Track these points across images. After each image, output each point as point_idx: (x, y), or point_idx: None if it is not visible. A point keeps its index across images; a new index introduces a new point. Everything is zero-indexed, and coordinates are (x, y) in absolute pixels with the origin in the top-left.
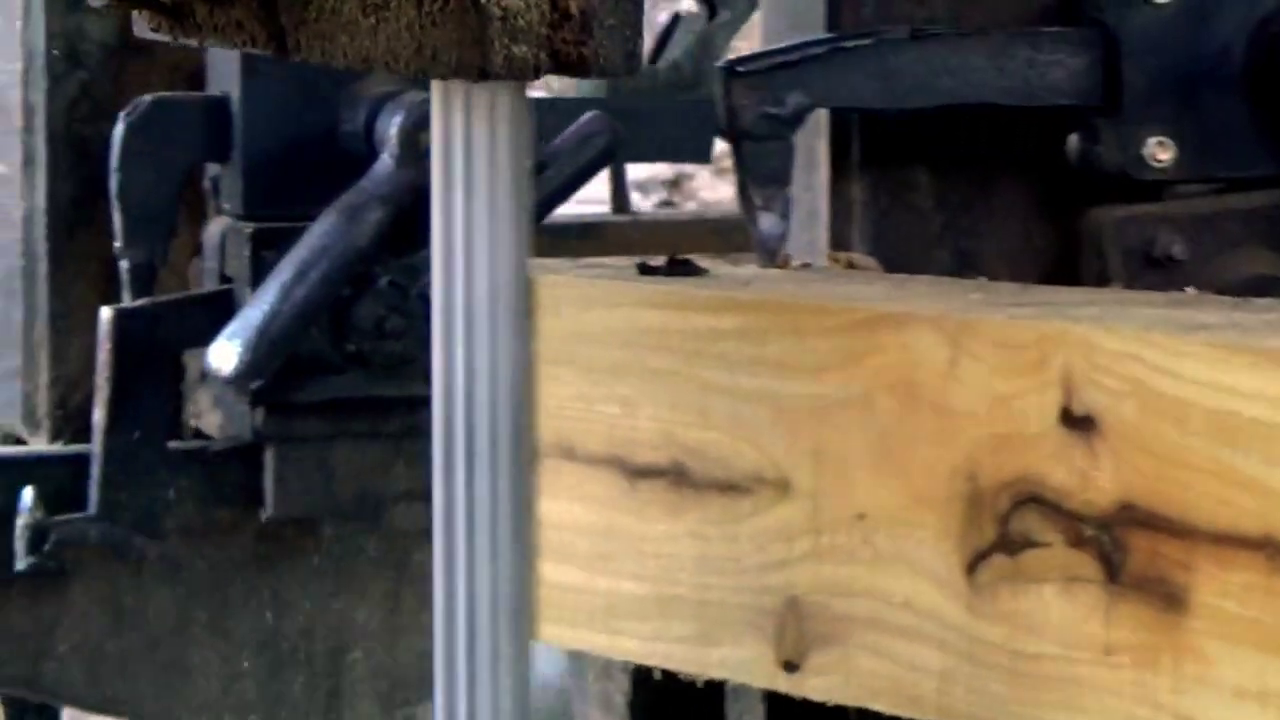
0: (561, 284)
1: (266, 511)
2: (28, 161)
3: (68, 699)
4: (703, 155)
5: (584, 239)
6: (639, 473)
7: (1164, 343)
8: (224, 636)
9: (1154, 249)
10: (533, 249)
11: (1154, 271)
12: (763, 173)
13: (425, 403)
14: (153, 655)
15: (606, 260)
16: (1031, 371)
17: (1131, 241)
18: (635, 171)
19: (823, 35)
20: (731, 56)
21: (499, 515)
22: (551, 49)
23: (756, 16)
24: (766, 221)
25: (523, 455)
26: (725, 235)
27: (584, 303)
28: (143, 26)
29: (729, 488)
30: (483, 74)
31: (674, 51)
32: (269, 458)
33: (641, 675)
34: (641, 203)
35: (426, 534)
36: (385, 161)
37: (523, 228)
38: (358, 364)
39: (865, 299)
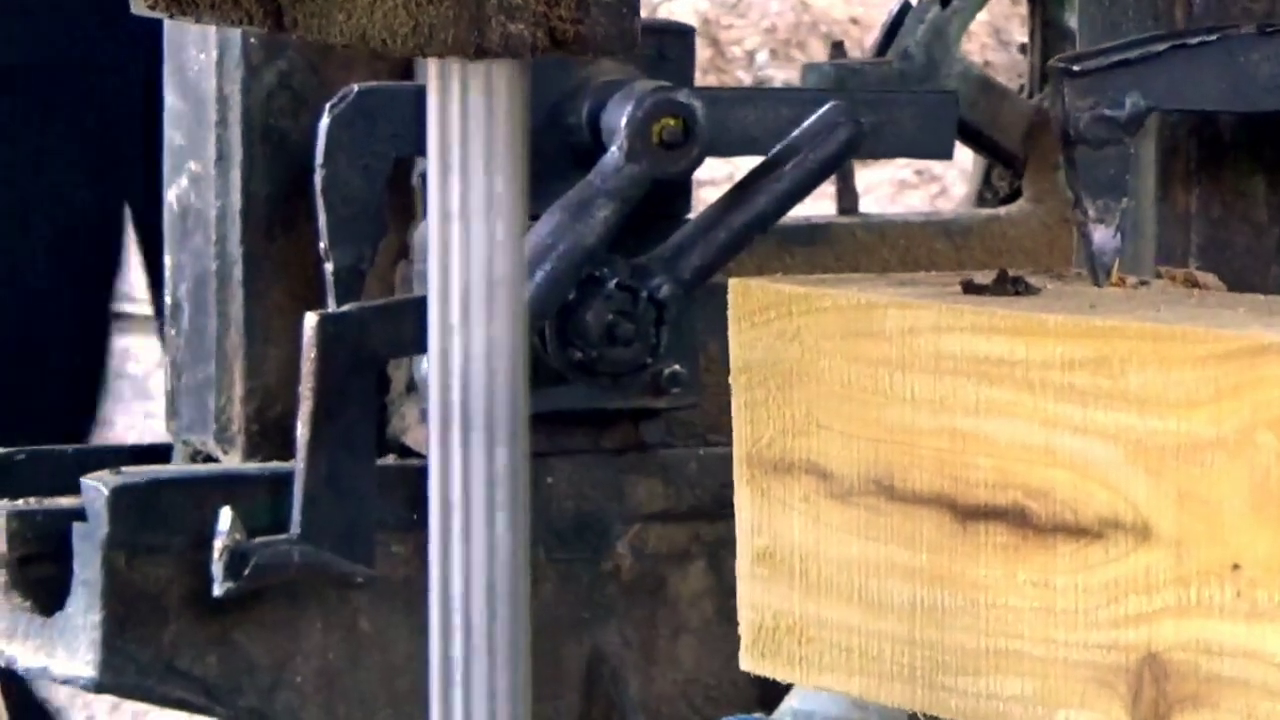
0: (882, 304)
1: None
2: (222, 158)
3: None
4: (943, 151)
5: (811, 243)
6: (972, 514)
7: None
8: None
9: None
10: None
11: None
12: (1098, 182)
13: (652, 415)
14: (391, 684)
15: (922, 276)
16: None
17: None
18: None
19: (1161, 32)
20: (1064, 54)
21: (495, 503)
22: (548, 26)
23: (991, 4)
24: (1101, 235)
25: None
26: (958, 237)
27: (908, 325)
28: (140, 4)
29: (1078, 533)
30: (479, 51)
31: (905, 40)
32: None
33: None
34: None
35: (676, 557)
36: (614, 155)
37: (520, 210)
38: (582, 373)
39: (1235, 325)
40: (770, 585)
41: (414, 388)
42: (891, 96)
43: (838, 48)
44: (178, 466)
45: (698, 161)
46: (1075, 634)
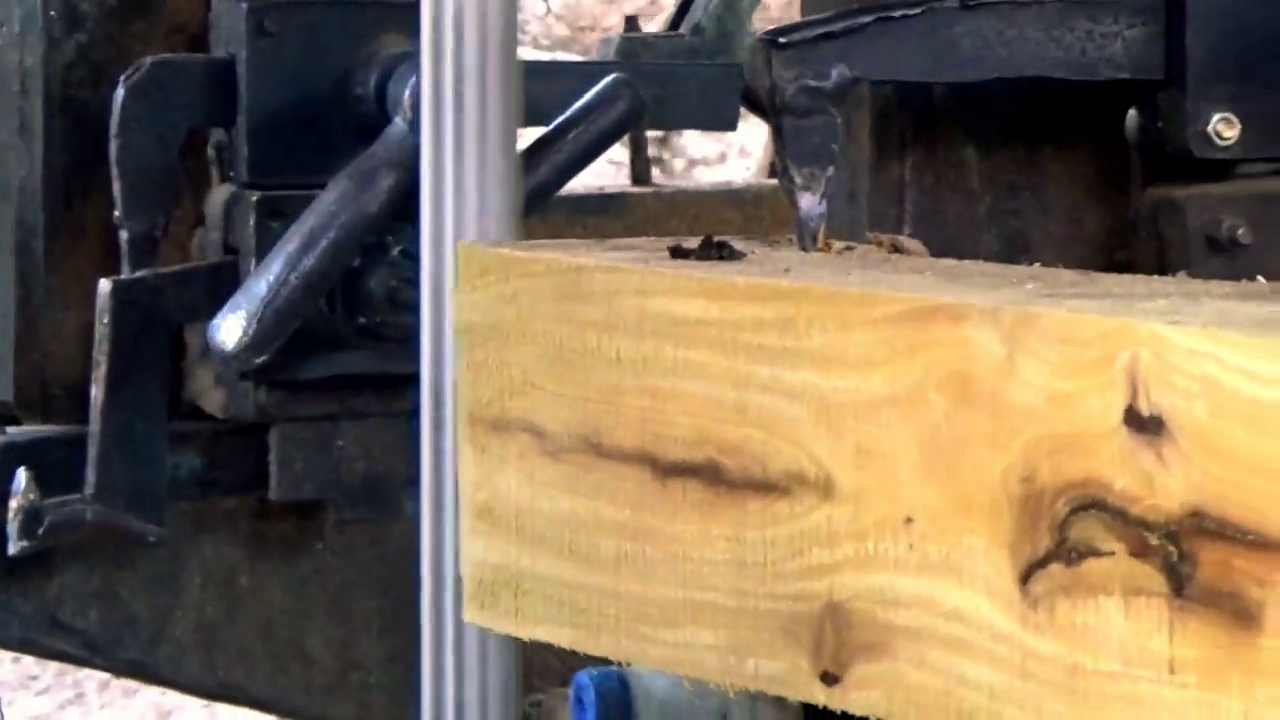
0: (590, 267)
1: (271, 494)
2: (23, 129)
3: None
4: (728, 123)
5: (602, 213)
6: (671, 470)
7: (1239, 340)
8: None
9: (1218, 232)
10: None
11: (1216, 256)
12: (804, 150)
13: None
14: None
15: (637, 241)
16: (1095, 369)
17: (1193, 224)
18: None
19: (868, 5)
20: (771, 26)
21: None
22: None
23: None
24: (807, 202)
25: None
26: (749, 207)
27: (614, 288)
28: None
29: (767, 488)
30: None
31: (696, 15)
32: (273, 438)
33: None
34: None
35: None
36: (398, 125)
37: (513, 183)
38: (369, 338)
39: (915, 288)
40: (489, 540)
41: (208, 352)
42: (677, 69)
43: (631, 21)
44: None
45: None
46: (764, 586)
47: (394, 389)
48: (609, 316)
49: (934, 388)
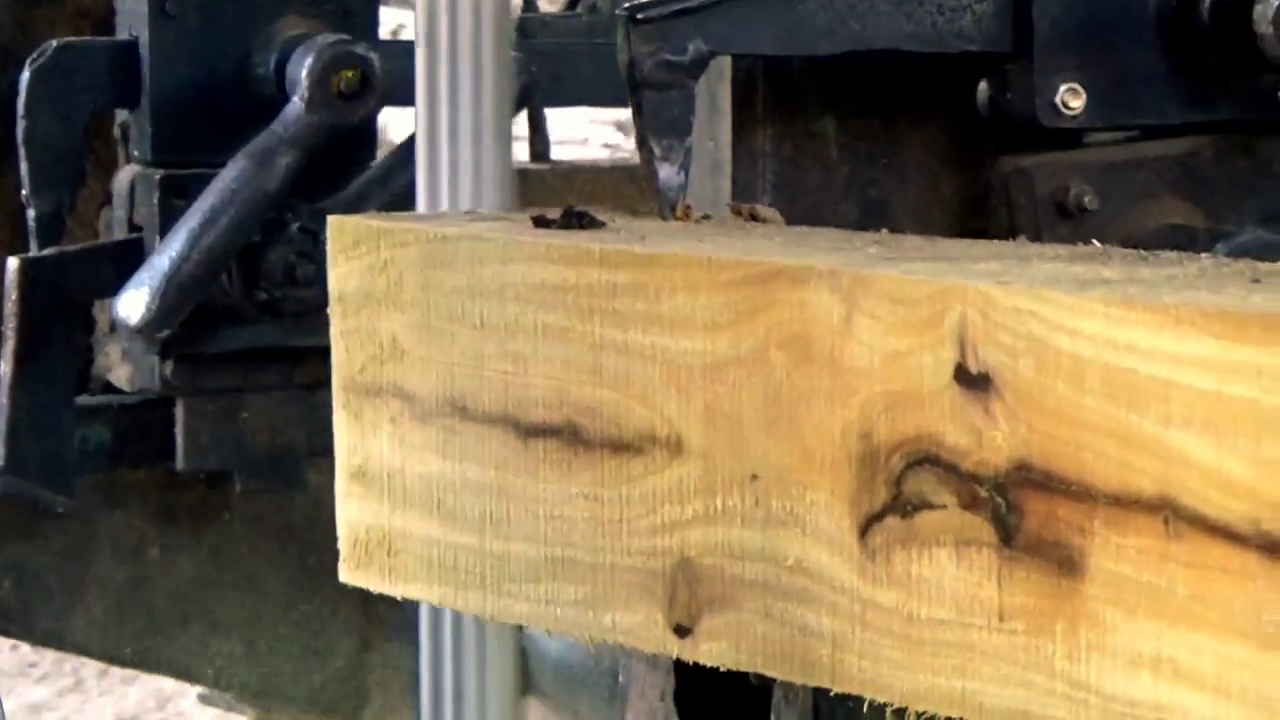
0: (455, 237)
1: (178, 465)
2: None
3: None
4: (622, 100)
5: None
6: (532, 432)
7: (1061, 299)
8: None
9: (1065, 199)
10: None
11: (1065, 222)
12: (662, 122)
13: None
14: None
15: (504, 213)
16: (926, 328)
17: (1041, 191)
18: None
19: None
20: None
21: None
22: None
23: None
24: (665, 172)
25: None
26: (645, 181)
27: (478, 256)
28: None
29: (621, 447)
30: None
31: None
32: (179, 411)
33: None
34: (626, 142)
35: None
36: (295, 105)
37: (507, 165)
38: (268, 312)
39: (760, 253)
40: (363, 502)
41: (114, 328)
42: (570, 47)
43: (529, 1)
44: None
45: (376, 110)
46: (620, 542)
47: (295, 362)
48: (473, 284)
49: (776, 348)
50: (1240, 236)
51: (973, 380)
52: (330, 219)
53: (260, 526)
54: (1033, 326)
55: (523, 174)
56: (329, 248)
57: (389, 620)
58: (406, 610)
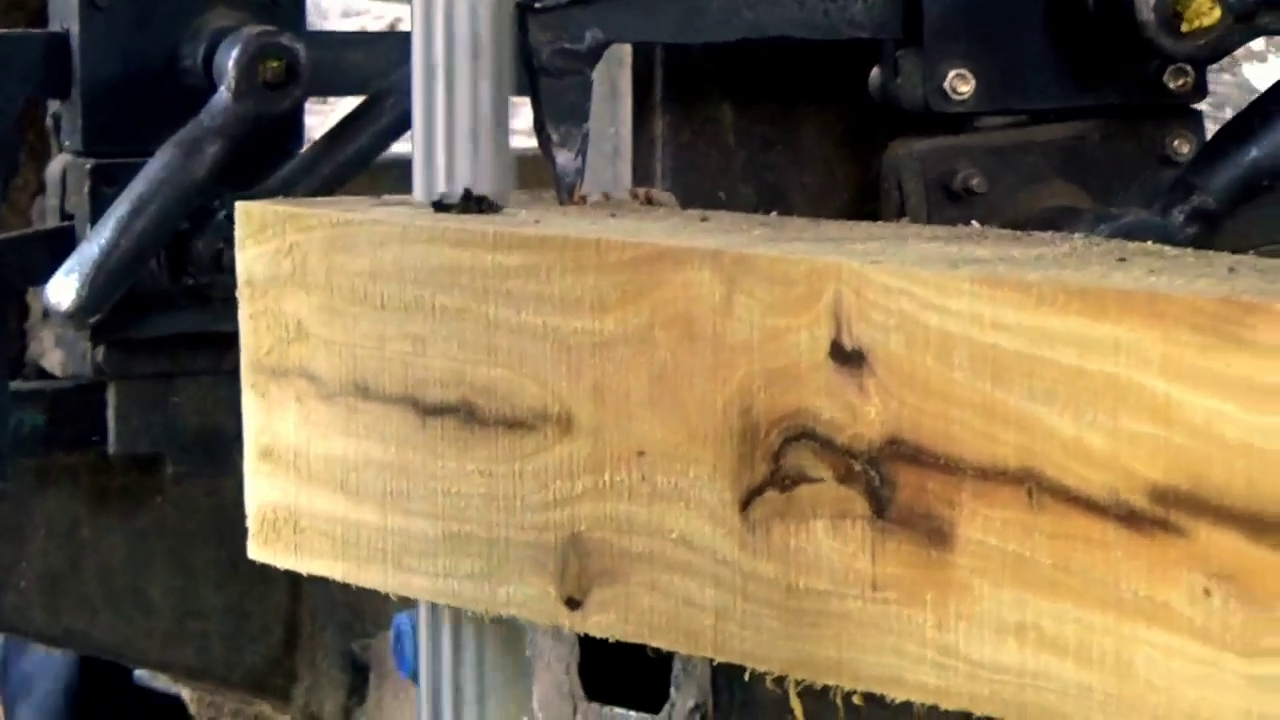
0: (357, 221)
1: (110, 448)
2: None
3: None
4: None
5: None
6: (430, 410)
7: (930, 277)
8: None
9: (953, 182)
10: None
11: (954, 204)
12: (559, 109)
13: None
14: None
15: (410, 197)
16: (803, 306)
17: (930, 174)
18: None
19: None
20: None
21: None
22: None
23: None
24: (563, 158)
25: None
26: None
27: (379, 240)
28: None
29: (515, 425)
30: None
31: None
32: (111, 395)
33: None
34: None
35: None
36: (222, 94)
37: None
38: (197, 299)
39: (646, 235)
40: (271, 480)
41: (47, 314)
42: None
43: None
44: None
45: (301, 100)
46: (514, 517)
47: (224, 347)
48: (374, 267)
49: (661, 327)
50: (1124, 218)
51: (847, 357)
52: (239, 204)
53: (191, 508)
54: (904, 304)
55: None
56: (237, 233)
57: (318, 601)
58: (334, 591)
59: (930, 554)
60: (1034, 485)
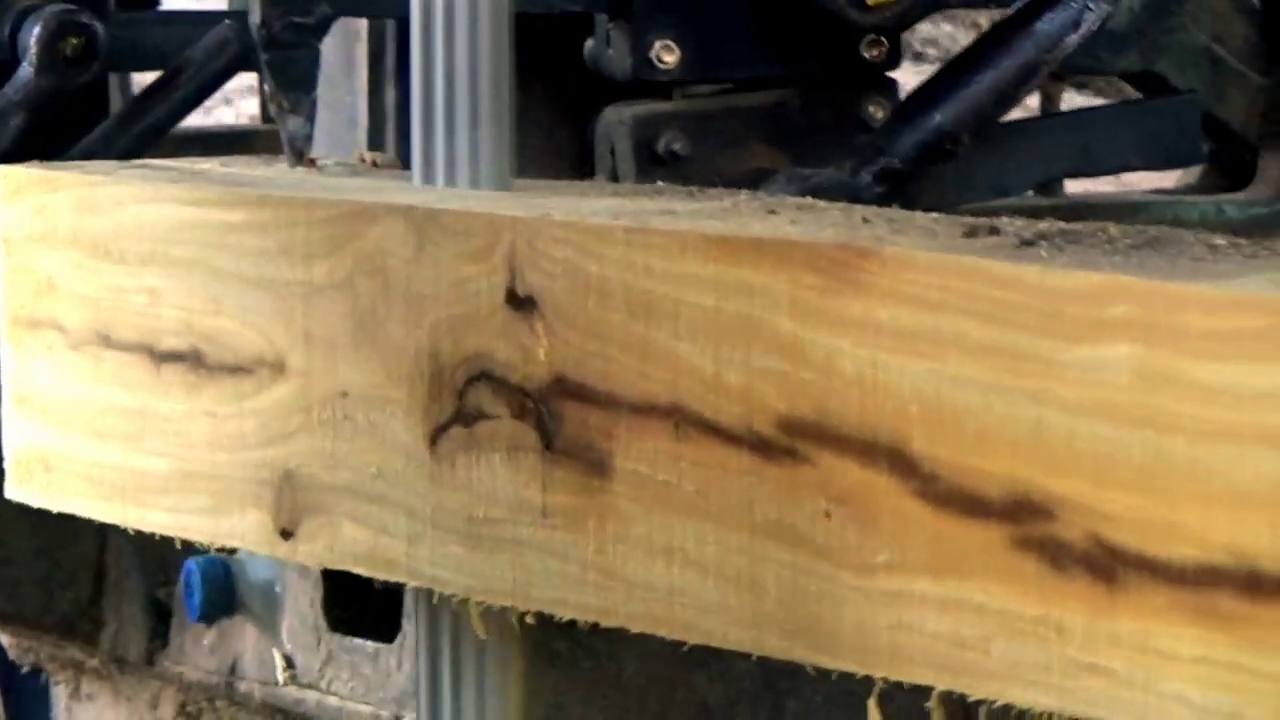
0: (100, 183)
1: None
2: None
3: None
4: None
5: (228, 148)
6: (164, 357)
7: (591, 226)
8: None
9: (658, 146)
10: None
11: (660, 167)
12: (290, 78)
13: None
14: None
15: (155, 161)
16: (482, 256)
17: (638, 139)
18: None
19: None
20: None
21: None
22: None
23: None
24: (293, 123)
25: None
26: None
27: (120, 200)
28: None
29: (237, 370)
30: None
31: None
32: None
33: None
34: None
35: None
36: (25, 69)
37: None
38: None
39: (352, 193)
40: (26, 425)
41: None
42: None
43: None
44: None
45: (100, 75)
46: (236, 455)
47: None
48: (115, 226)
49: (362, 276)
50: (815, 178)
51: (520, 302)
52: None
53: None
54: (568, 253)
55: (252, 135)
56: None
57: (124, 550)
58: (139, 541)
59: (592, 483)
60: (680, 418)
